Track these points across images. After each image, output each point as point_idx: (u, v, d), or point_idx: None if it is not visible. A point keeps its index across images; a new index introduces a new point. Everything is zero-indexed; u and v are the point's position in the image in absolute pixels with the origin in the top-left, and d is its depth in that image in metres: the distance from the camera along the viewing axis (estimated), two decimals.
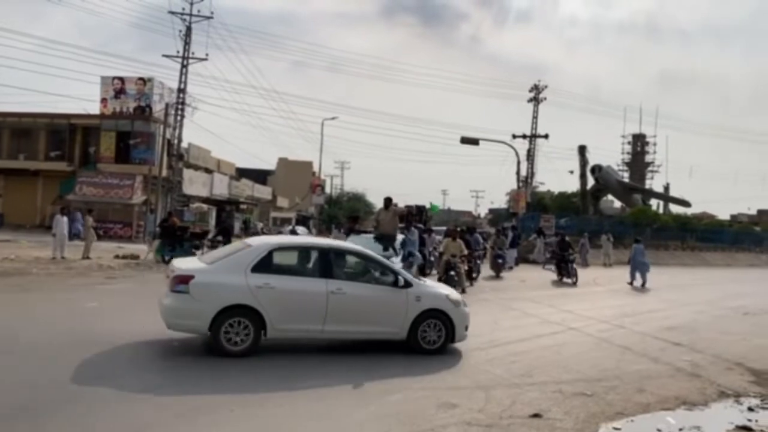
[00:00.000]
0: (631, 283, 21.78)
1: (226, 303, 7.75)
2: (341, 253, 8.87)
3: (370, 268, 8.85)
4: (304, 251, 8.86)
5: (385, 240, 15.22)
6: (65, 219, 20.58)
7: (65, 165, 38.05)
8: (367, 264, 8.89)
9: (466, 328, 9.13)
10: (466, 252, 16.86)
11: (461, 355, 8.94)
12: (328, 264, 8.39)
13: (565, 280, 21.36)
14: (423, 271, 18.31)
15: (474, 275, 19.35)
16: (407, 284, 8.70)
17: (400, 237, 16.37)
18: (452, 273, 15.90)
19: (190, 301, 7.71)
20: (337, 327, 8.27)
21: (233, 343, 7.79)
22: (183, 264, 8.39)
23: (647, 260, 22.42)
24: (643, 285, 21.35)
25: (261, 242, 8.71)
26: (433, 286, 9.50)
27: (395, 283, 8.65)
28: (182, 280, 7.74)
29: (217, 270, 7.97)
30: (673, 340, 11.13)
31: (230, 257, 8.24)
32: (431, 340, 8.73)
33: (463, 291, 15.16)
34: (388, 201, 16.35)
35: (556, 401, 6.81)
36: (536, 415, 6.26)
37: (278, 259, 8.32)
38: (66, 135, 39.01)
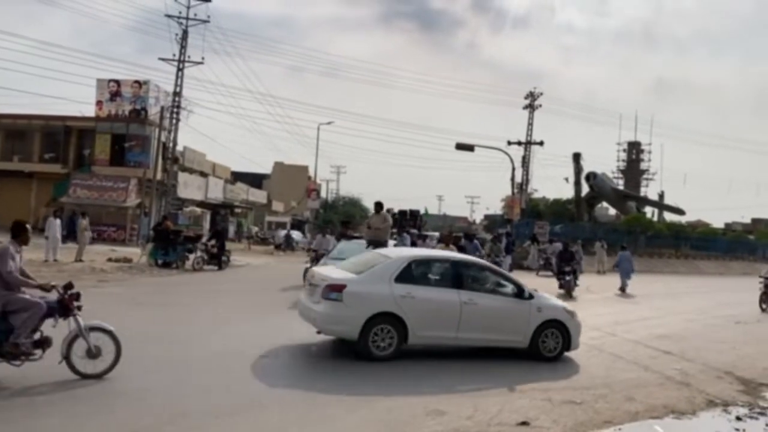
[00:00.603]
0: (623, 290, 22.12)
1: (375, 311, 8.41)
2: (471, 265, 9.64)
3: (496, 281, 9.51)
4: (437, 263, 9.48)
5: (376, 245, 15.05)
6: (58, 221, 20.54)
7: (59, 167, 37.95)
8: (494, 276, 9.60)
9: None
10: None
11: (450, 361, 8.95)
12: (460, 276, 9.13)
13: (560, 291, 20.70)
14: None
15: None
16: (530, 296, 9.37)
17: (392, 243, 16.16)
18: None
19: (342, 308, 8.35)
20: (468, 335, 8.96)
21: (380, 348, 8.46)
22: (330, 273, 9.11)
23: (632, 267, 23.29)
24: (622, 290, 22.12)
25: (400, 254, 9.48)
26: (550, 298, 10.05)
27: (520, 295, 9.31)
28: (335, 289, 8.40)
29: (366, 280, 8.62)
30: (664, 349, 11.15)
31: (375, 268, 8.86)
32: (550, 348, 9.37)
33: None
34: (378, 205, 16.26)
35: (544, 409, 6.81)
36: (524, 423, 6.26)
37: (416, 270, 9.01)
38: (61, 137, 38.93)
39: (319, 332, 8.97)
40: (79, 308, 6.71)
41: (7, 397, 6.01)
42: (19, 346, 6.36)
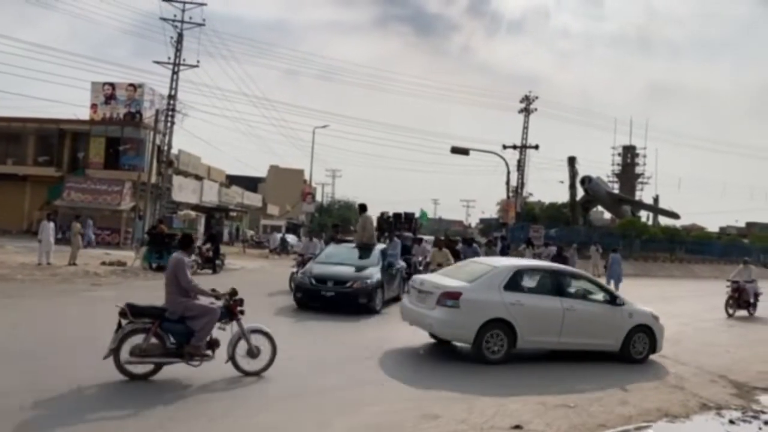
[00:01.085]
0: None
1: (489, 317, 9.02)
2: (569, 274, 10.39)
3: (592, 288, 10.21)
4: (540, 272, 10.15)
5: (364, 248, 14.89)
6: (51, 225, 20.44)
7: (54, 170, 37.83)
8: (589, 284, 10.33)
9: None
10: (452, 262, 16.65)
11: (446, 364, 8.94)
12: (560, 284, 9.79)
13: None
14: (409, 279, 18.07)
15: None
16: (622, 303, 10.03)
17: (381, 246, 16.12)
18: None
19: (459, 314, 8.99)
20: (569, 339, 9.59)
21: (492, 353, 9.06)
22: (442, 281, 9.66)
23: (621, 270, 23.83)
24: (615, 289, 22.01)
25: (506, 264, 10.05)
26: (637, 304, 10.50)
27: (613, 302, 9.99)
28: (452, 296, 9.03)
29: (478, 288, 9.21)
30: (658, 353, 11.17)
31: (485, 277, 9.41)
32: (639, 351, 10.04)
33: None
34: (362, 207, 16.09)
35: (538, 413, 6.80)
36: (518, 427, 6.25)
37: (521, 279, 9.64)
38: (55, 140, 38.81)
39: (433, 337, 9.95)
40: (242, 312, 7.47)
41: (194, 393, 6.77)
42: (199, 348, 7.12)
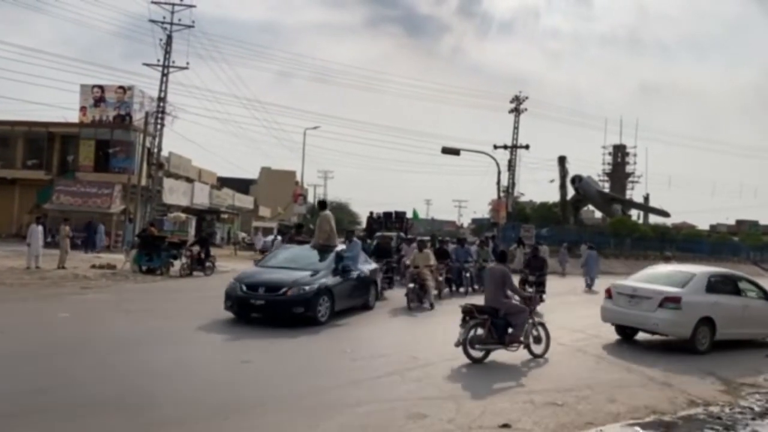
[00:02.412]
0: (589, 288, 23.86)
1: (701, 315, 10.99)
2: (741, 278, 12.46)
3: (754, 288, 12.25)
4: (724, 277, 12.10)
5: (322, 250, 13.25)
6: (40, 228, 20.30)
7: (43, 173, 37.64)
8: (751, 285, 12.34)
9: None
10: (432, 262, 16.03)
11: (435, 364, 8.93)
12: (737, 285, 11.95)
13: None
14: (391, 283, 17.44)
15: (462, 289, 18.99)
16: None
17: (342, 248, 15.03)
18: (413, 285, 15.03)
19: (681, 314, 10.87)
20: (744, 330, 11.82)
21: (701, 344, 11.03)
22: (656, 287, 11.32)
23: (598, 266, 25.33)
24: (589, 287, 23.82)
25: (704, 271, 12.16)
26: None
27: (766, 298, 12.10)
28: (673, 300, 10.88)
29: (691, 292, 11.10)
30: (648, 349, 11.21)
31: (692, 282, 11.34)
32: None
33: (431, 306, 14.87)
34: (321, 204, 15.33)
35: (526, 411, 6.80)
36: (505, 426, 6.25)
37: (713, 282, 11.53)
38: (44, 143, 38.64)
39: (653, 334, 11.58)
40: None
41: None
42: (517, 337, 9.32)
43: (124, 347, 8.98)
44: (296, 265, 12.46)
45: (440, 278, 17.40)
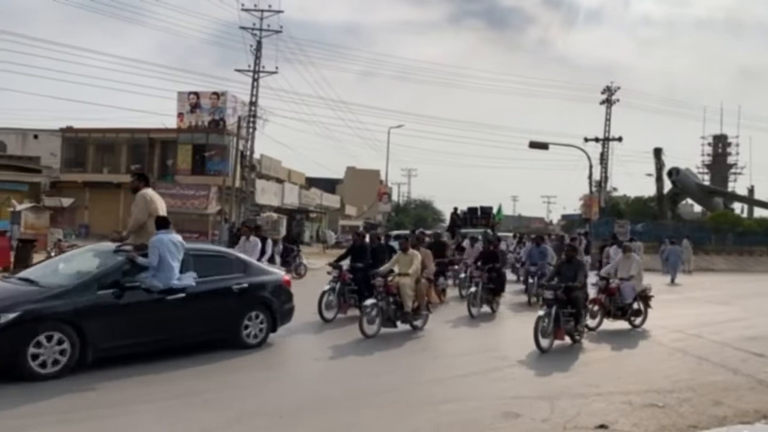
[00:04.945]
0: (672, 281, 23.64)
1: None
2: None
3: None
4: None
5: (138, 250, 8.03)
6: None
7: None
8: None
9: None
10: (417, 268, 10.81)
11: (526, 363, 8.81)
12: None
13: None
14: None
15: (533, 298, 14.99)
16: None
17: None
18: (375, 301, 10.19)
19: None
20: None
21: None
22: None
23: (680, 260, 25.69)
24: (672, 281, 23.56)
25: None
26: None
27: None
28: None
29: None
30: (755, 351, 10.53)
31: None
32: None
33: (413, 327, 10.67)
34: (139, 177, 9.21)
35: (624, 412, 6.59)
36: (602, 426, 6.07)
37: None
38: (145, 149, 41.04)
39: None
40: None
41: None
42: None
43: None
44: (50, 278, 7.91)
45: (435, 287, 12.80)
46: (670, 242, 26.95)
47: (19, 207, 23.69)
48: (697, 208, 62.09)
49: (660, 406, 6.86)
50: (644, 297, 12.21)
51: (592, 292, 11.60)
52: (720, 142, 65.42)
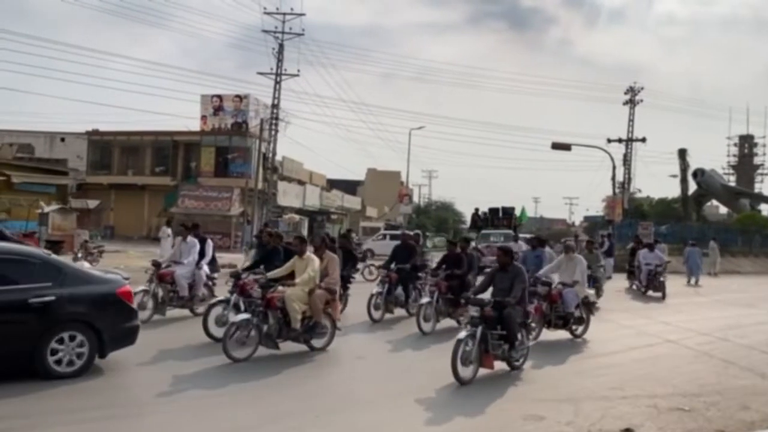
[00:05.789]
0: (688, 283, 23.55)
1: None
2: None
3: None
4: None
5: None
6: (169, 230, 21.75)
7: (169, 179, 40.38)
8: None
9: None
10: (315, 273, 8.79)
11: (550, 366, 8.78)
12: None
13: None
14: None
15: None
16: None
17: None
18: (244, 318, 8.22)
19: None
20: None
21: None
22: None
23: (700, 262, 24.85)
24: (696, 282, 23.53)
25: None
26: None
27: None
28: None
29: None
30: None
31: None
32: None
33: (310, 347, 8.88)
34: None
35: (650, 416, 6.54)
36: (628, 430, 6.04)
37: None
38: (169, 151, 41.50)
39: None
40: None
41: None
42: None
43: None
44: None
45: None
46: (690, 244, 26.67)
47: (47, 209, 24.11)
48: (723, 209, 61.26)
49: (686, 410, 6.80)
50: (587, 303, 10.89)
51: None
52: (746, 143, 64.51)
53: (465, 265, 11.63)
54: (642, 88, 47.22)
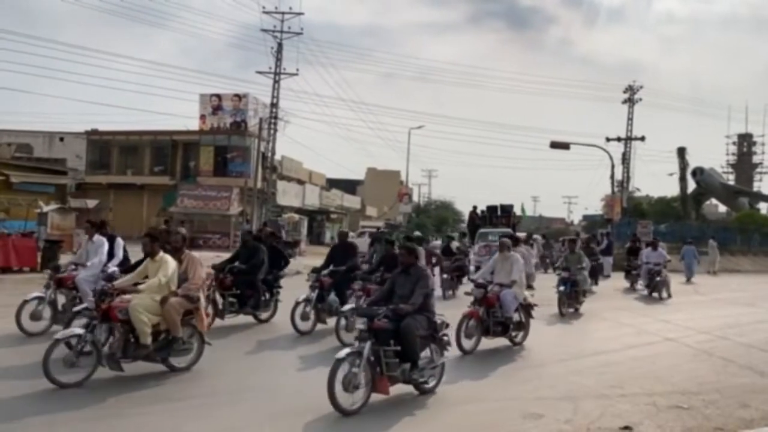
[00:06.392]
0: (688, 281, 23.88)
1: None
2: None
3: None
4: None
5: None
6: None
7: (168, 179, 40.37)
8: None
9: None
10: (158, 280, 7.28)
11: (549, 364, 8.77)
12: None
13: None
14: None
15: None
16: None
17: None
18: (74, 333, 6.87)
19: None
20: None
21: None
22: None
23: (695, 260, 25.39)
24: (688, 280, 23.89)
25: None
26: None
27: None
28: None
29: None
30: None
31: None
32: None
33: (169, 367, 7.38)
34: None
35: (649, 414, 6.53)
36: (627, 428, 6.03)
37: None
38: (168, 150, 41.51)
39: None
40: None
41: None
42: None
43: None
44: None
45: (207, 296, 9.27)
46: (685, 242, 27.04)
47: (45, 208, 24.06)
48: (722, 208, 61.35)
49: (685, 408, 6.79)
50: (526, 306, 9.86)
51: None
52: (745, 141, 64.54)
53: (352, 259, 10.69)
54: (641, 87, 47.25)
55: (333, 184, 57.17)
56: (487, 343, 9.52)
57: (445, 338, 7.14)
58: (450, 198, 76.16)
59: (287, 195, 42.06)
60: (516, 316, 9.57)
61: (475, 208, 28.43)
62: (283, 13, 37.66)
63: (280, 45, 37.98)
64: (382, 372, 6.29)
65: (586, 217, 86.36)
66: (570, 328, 12.34)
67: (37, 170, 31.14)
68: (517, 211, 33.95)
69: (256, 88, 48.56)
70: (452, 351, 8.92)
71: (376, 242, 15.84)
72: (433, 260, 14.93)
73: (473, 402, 6.77)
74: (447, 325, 7.19)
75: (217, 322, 10.26)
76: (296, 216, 40.76)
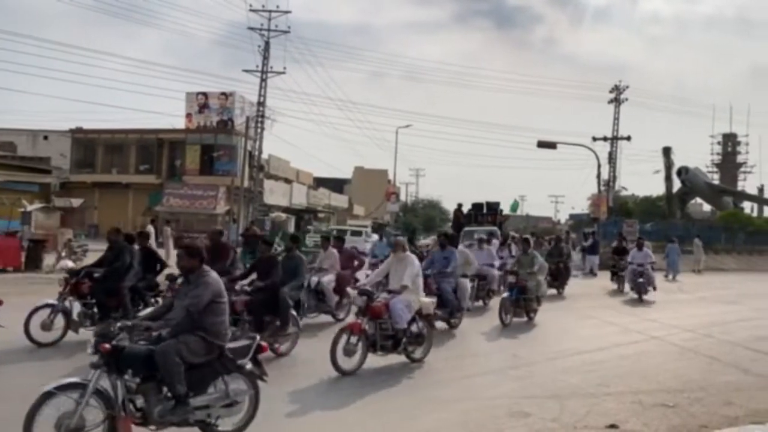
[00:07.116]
0: (666, 277, 23.92)
1: None
2: None
3: None
4: None
5: None
6: (152, 230, 21.57)
7: (153, 178, 40.13)
8: None
9: None
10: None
11: (536, 363, 8.79)
12: None
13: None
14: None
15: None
16: None
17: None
18: None
19: None
20: None
21: None
22: None
23: (678, 258, 25.52)
24: (673, 278, 24.26)
25: None
26: None
27: None
28: None
29: None
30: (766, 351, 10.48)
31: None
32: None
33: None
34: None
35: (635, 412, 6.57)
36: (613, 426, 6.06)
37: None
38: (154, 149, 41.26)
39: None
40: None
41: None
42: None
43: None
44: None
45: None
46: (669, 241, 27.27)
47: (29, 207, 23.80)
48: (707, 207, 61.77)
49: (670, 406, 6.83)
50: (426, 316, 8.51)
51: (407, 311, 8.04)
52: (729, 141, 65.14)
53: (276, 274, 8.69)
54: (627, 87, 47.48)
55: (320, 183, 57.08)
56: (476, 345, 9.53)
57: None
58: (437, 197, 76.23)
59: (274, 194, 41.93)
60: (414, 328, 8.19)
61: (460, 206, 27.67)
62: (270, 11, 37.50)
63: (267, 43, 37.82)
64: (125, 410, 4.80)
65: (572, 216, 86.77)
66: (555, 327, 12.35)
67: (20, 169, 30.83)
68: (507, 208, 33.96)
69: (243, 87, 48.69)
70: (444, 352, 8.97)
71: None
72: (355, 263, 12.76)
73: (460, 401, 6.78)
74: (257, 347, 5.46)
75: (70, 336, 8.60)
76: (283, 215, 40.61)
